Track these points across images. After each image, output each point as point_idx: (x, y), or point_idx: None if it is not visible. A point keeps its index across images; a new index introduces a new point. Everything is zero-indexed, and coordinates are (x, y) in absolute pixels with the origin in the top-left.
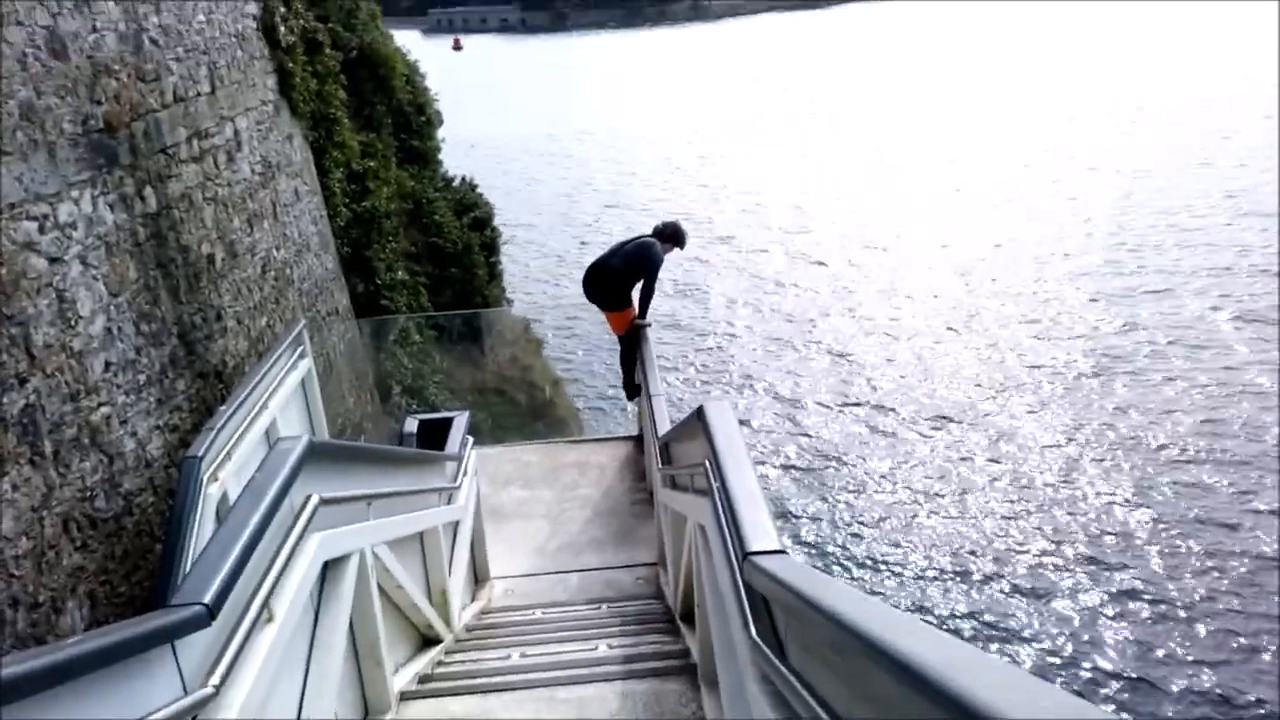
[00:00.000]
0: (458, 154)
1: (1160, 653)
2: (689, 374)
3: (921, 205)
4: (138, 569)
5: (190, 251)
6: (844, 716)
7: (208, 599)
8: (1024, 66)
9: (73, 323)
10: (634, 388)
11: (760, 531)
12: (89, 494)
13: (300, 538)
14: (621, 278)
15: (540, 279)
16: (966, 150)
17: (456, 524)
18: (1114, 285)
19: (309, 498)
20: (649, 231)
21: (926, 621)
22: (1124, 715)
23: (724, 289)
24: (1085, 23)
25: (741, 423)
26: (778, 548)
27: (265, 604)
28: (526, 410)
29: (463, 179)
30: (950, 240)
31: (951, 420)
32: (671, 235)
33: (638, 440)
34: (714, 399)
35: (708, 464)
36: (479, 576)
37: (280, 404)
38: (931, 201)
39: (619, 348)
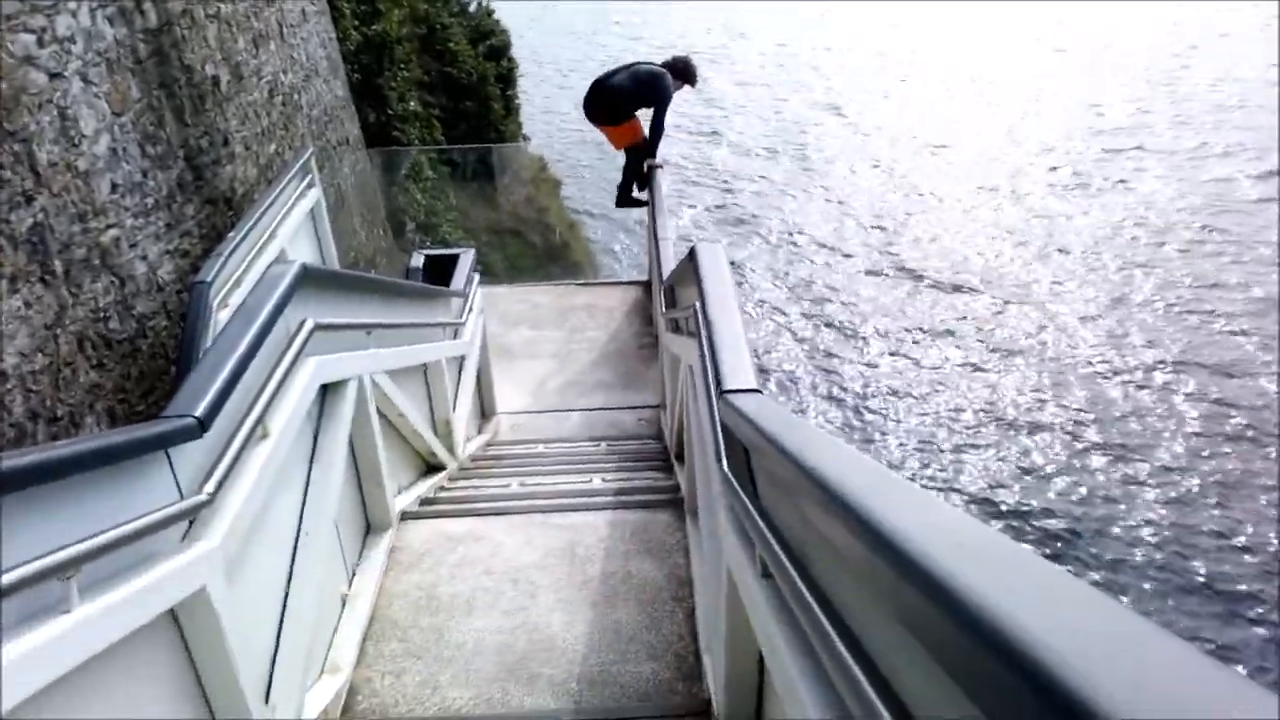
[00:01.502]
0: None
1: None
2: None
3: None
4: (154, 390)
5: (194, 72)
6: (798, 553)
7: (199, 412)
8: None
9: (76, 141)
10: (627, 198)
11: (737, 371)
12: (102, 315)
13: (295, 359)
14: (626, 95)
15: (557, 114)
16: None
17: (462, 359)
18: None
19: (304, 322)
20: (658, 62)
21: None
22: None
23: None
24: None
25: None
26: (753, 386)
27: (260, 421)
28: (541, 251)
29: (479, 3)
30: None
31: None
32: (683, 70)
33: (648, 285)
34: (707, 240)
35: (696, 305)
36: (486, 411)
37: (290, 233)
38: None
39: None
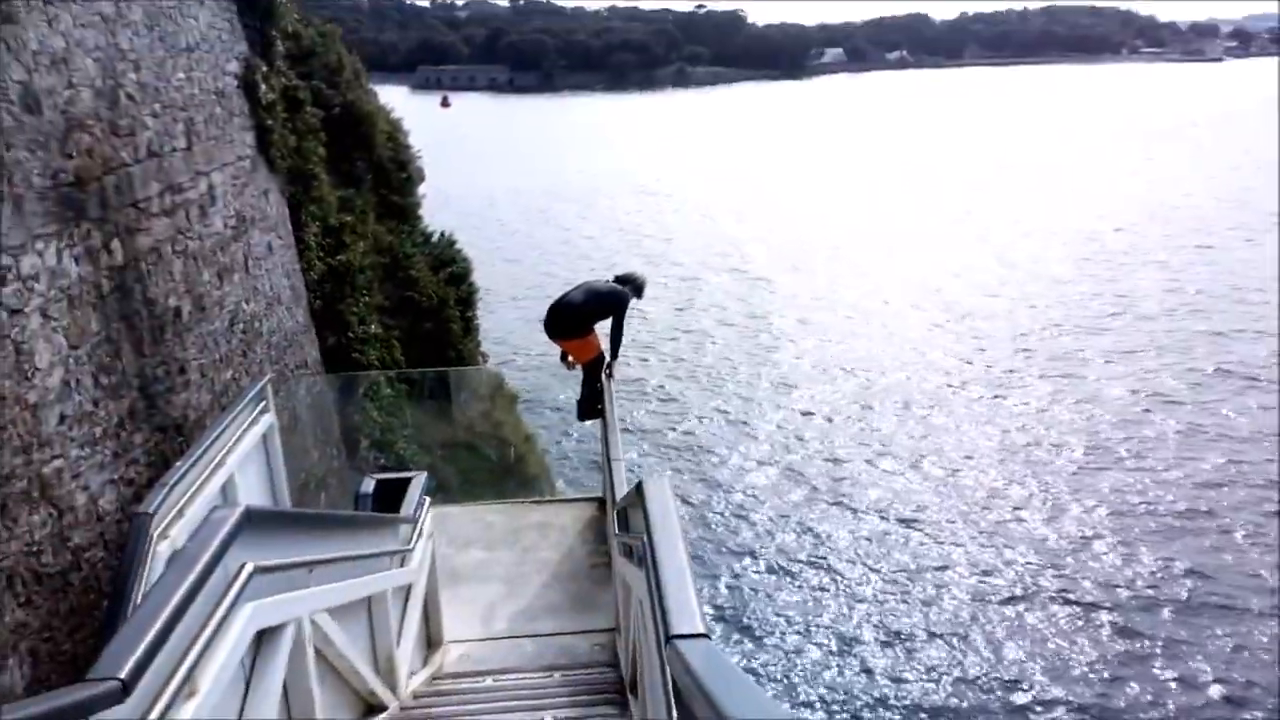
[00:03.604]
0: (436, 205)
1: None
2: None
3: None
4: (82, 626)
5: (156, 304)
6: None
7: (123, 674)
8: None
9: (29, 375)
10: (589, 410)
11: (684, 614)
12: (36, 549)
13: (231, 608)
14: (583, 310)
15: (514, 332)
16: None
17: (409, 587)
18: None
19: (243, 566)
20: (609, 278)
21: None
22: None
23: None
24: None
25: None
26: (701, 631)
27: (189, 677)
28: (497, 466)
29: (441, 234)
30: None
31: None
32: (633, 283)
33: (602, 502)
34: (654, 474)
35: (643, 539)
36: (432, 640)
37: (239, 460)
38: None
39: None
